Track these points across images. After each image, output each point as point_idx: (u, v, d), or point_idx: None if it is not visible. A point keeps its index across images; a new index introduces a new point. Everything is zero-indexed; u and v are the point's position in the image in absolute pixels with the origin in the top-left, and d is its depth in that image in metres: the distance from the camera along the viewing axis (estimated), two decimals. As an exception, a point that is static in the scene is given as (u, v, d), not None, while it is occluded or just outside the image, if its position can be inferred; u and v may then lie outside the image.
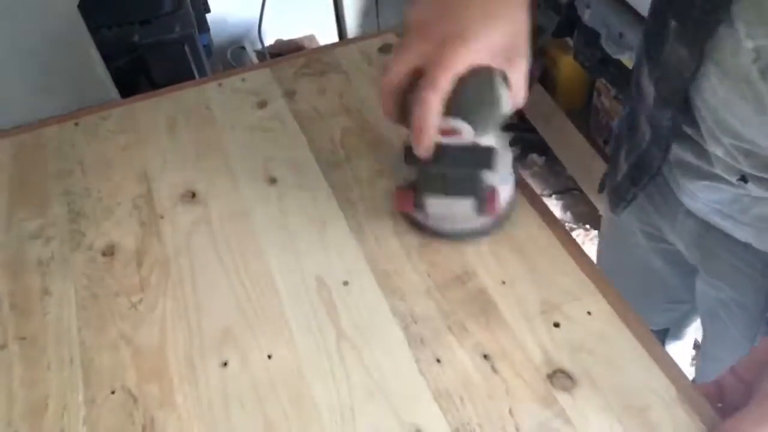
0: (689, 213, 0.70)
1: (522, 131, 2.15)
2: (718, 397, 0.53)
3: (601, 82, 1.79)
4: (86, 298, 0.65)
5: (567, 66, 1.86)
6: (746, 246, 0.66)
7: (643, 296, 0.91)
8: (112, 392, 0.58)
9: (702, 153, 0.63)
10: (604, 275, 0.65)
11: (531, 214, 0.70)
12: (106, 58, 0.92)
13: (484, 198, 0.61)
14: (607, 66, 1.73)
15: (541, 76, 1.96)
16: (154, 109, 0.88)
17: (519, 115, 2.15)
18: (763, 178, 0.58)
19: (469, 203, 0.61)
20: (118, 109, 0.88)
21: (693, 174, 0.66)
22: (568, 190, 2.03)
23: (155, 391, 0.58)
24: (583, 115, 1.90)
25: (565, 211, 1.97)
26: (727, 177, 0.61)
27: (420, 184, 0.62)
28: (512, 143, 2.15)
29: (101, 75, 0.92)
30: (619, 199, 0.80)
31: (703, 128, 0.61)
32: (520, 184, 0.73)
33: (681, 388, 0.55)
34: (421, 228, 0.68)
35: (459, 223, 0.66)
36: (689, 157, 0.65)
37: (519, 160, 2.10)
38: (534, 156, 2.12)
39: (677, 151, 0.67)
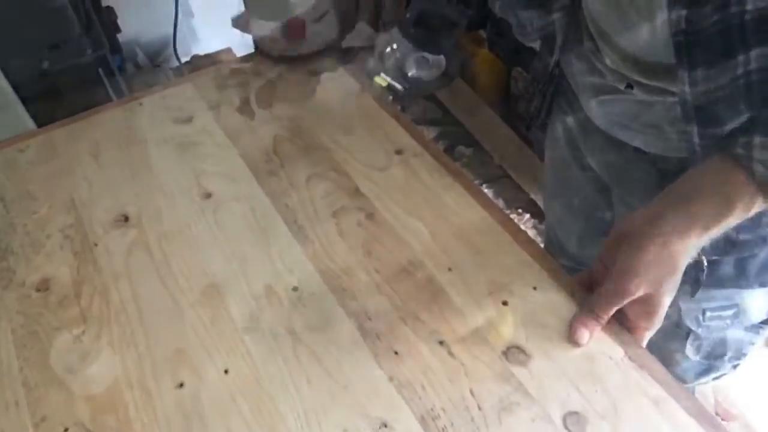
0: (597, 129, 0.77)
1: (448, 125, 2.19)
2: (588, 283, 0.62)
3: (517, 71, 1.85)
4: (24, 336, 0.62)
5: (483, 58, 1.91)
6: (638, 151, 0.73)
7: (587, 234, 0.98)
8: (66, 430, 0.55)
9: (596, 69, 0.71)
10: (545, 251, 0.67)
11: (469, 201, 0.72)
12: (17, 89, 0.88)
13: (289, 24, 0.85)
14: (520, 55, 1.79)
15: (461, 71, 2.00)
16: (74, 134, 0.85)
17: (443, 109, 2.19)
18: (642, 83, 0.66)
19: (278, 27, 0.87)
20: (36, 138, 0.85)
21: (594, 91, 0.73)
22: (498, 178, 2.08)
23: (111, 422, 0.56)
24: (505, 103, 1.95)
25: (497, 198, 2.02)
26: (617, 86, 0.69)
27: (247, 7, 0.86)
28: (440, 137, 2.18)
29: (14, 105, 0.88)
30: (533, 116, 0.89)
31: (596, 40, 0.69)
32: (456, 173, 0.75)
33: (628, 348, 0.58)
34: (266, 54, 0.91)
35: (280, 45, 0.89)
36: (589, 77, 0.73)
37: (448, 153, 2.13)
38: (462, 148, 2.16)
39: (580, 73, 0.75)
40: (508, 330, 0.59)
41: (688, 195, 0.57)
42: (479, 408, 0.54)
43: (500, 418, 0.54)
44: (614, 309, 0.57)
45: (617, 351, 0.58)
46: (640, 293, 0.55)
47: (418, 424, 0.54)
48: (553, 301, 0.62)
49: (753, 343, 0.82)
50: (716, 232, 0.56)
